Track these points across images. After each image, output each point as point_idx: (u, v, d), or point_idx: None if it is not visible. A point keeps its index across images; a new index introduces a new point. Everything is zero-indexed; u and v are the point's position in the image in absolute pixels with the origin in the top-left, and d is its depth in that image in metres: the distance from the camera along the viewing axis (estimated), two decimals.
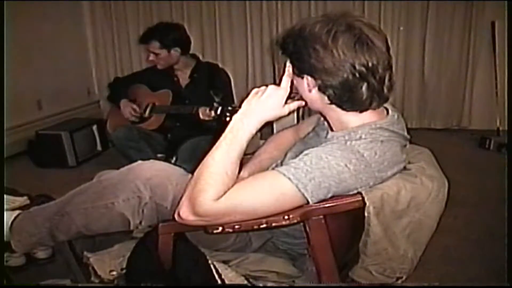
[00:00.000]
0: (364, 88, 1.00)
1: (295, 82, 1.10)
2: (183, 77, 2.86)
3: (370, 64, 0.97)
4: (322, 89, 1.03)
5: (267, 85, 1.11)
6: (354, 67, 0.97)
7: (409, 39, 4.02)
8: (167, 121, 2.84)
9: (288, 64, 1.08)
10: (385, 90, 1.03)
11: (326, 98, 1.04)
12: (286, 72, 1.09)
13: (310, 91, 1.05)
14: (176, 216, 1.02)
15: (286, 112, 1.10)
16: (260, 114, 1.08)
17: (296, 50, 1.02)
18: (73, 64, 4.48)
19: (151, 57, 2.76)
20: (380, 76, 1.00)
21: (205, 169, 1.03)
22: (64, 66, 4.27)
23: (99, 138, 3.69)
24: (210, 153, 1.05)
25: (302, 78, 1.05)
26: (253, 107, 1.08)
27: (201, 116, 2.50)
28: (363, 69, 0.97)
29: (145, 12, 4.50)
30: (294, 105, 1.11)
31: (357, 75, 0.98)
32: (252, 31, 4.33)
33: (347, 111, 1.06)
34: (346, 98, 1.02)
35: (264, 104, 1.08)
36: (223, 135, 1.07)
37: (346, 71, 0.98)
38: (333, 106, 1.06)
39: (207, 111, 2.44)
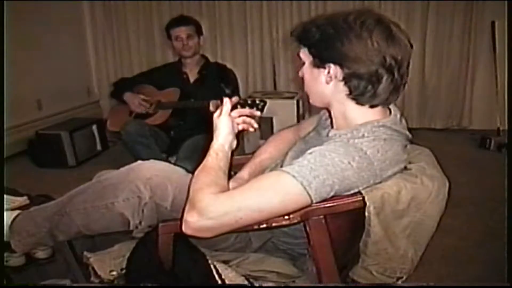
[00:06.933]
0: (388, 82, 1.01)
1: (306, 74, 1.10)
2: (192, 74, 2.93)
3: (399, 58, 0.99)
4: (346, 78, 1.02)
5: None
6: (385, 59, 0.98)
7: None
8: (172, 118, 2.86)
9: (302, 52, 1.08)
10: (402, 87, 1.04)
11: (347, 89, 1.04)
12: (224, 108, 1.16)
13: (327, 82, 1.05)
14: (183, 228, 0.98)
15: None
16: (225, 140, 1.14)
17: (325, 38, 1.01)
18: (73, 64, 4.49)
19: (185, 40, 2.80)
20: (402, 72, 1.02)
21: (200, 174, 1.06)
22: (64, 66, 4.27)
23: (99, 138, 3.69)
24: (200, 167, 1.08)
25: (323, 68, 1.04)
26: (220, 139, 1.14)
27: (211, 108, 2.53)
28: (393, 62, 0.99)
29: (145, 12, 4.51)
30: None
31: (386, 67, 0.99)
32: (252, 31, 4.33)
33: (362, 105, 1.05)
34: (367, 90, 1.02)
35: (223, 132, 1.14)
36: (208, 154, 1.11)
37: (377, 62, 0.98)
38: (345, 99, 1.05)
39: (217, 103, 2.47)
